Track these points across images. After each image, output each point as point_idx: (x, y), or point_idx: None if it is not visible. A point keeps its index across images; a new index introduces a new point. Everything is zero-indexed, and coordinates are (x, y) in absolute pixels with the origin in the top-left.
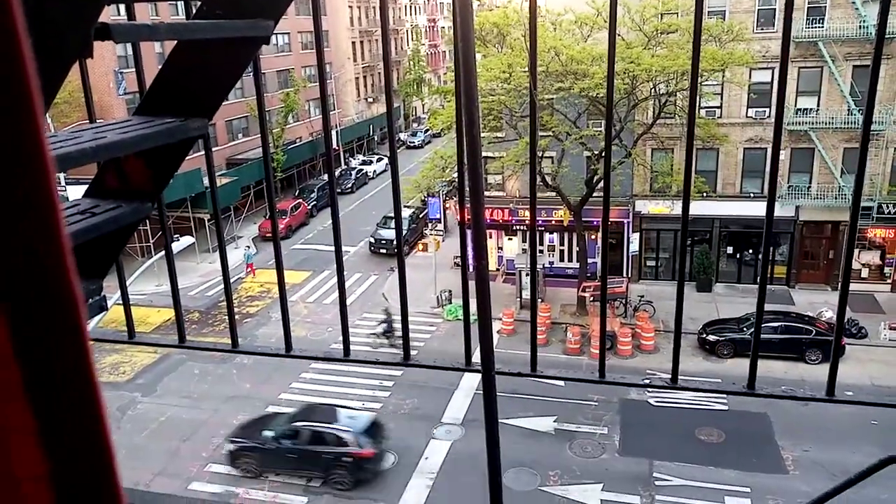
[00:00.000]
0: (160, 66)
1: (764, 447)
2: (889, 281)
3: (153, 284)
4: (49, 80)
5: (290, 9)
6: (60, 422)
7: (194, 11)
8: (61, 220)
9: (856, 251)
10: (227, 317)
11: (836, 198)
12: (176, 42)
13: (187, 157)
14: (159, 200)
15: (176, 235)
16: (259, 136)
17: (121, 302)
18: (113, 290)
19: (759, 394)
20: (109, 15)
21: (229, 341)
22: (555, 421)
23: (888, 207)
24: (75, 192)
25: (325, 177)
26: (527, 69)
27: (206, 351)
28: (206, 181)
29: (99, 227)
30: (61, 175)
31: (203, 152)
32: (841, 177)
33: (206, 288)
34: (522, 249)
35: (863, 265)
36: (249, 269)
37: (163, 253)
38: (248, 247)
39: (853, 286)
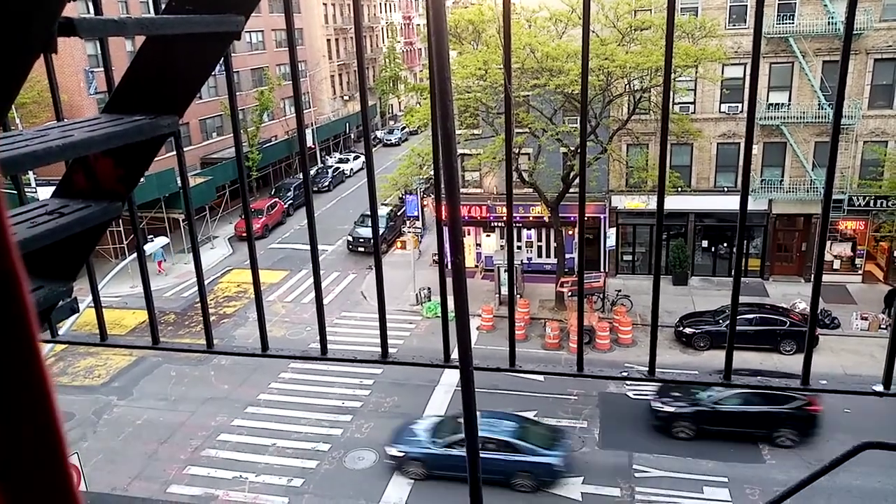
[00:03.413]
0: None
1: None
2: (860, 272)
3: (127, 286)
4: (10, 75)
5: (263, 6)
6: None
7: (163, 7)
8: (5, 218)
9: (827, 243)
10: (202, 318)
11: (807, 191)
12: (145, 38)
13: (161, 157)
14: (130, 200)
15: (150, 236)
16: (233, 134)
17: (93, 305)
18: (85, 292)
19: (736, 384)
20: (77, 12)
21: (205, 342)
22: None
23: (858, 200)
24: (45, 194)
25: (301, 175)
26: (502, 66)
27: (181, 352)
28: (179, 181)
29: (68, 227)
30: (31, 175)
31: (175, 151)
32: (812, 170)
33: (182, 289)
34: (500, 246)
35: (834, 257)
36: (158, 268)
37: (136, 254)
38: (160, 244)
39: (825, 277)
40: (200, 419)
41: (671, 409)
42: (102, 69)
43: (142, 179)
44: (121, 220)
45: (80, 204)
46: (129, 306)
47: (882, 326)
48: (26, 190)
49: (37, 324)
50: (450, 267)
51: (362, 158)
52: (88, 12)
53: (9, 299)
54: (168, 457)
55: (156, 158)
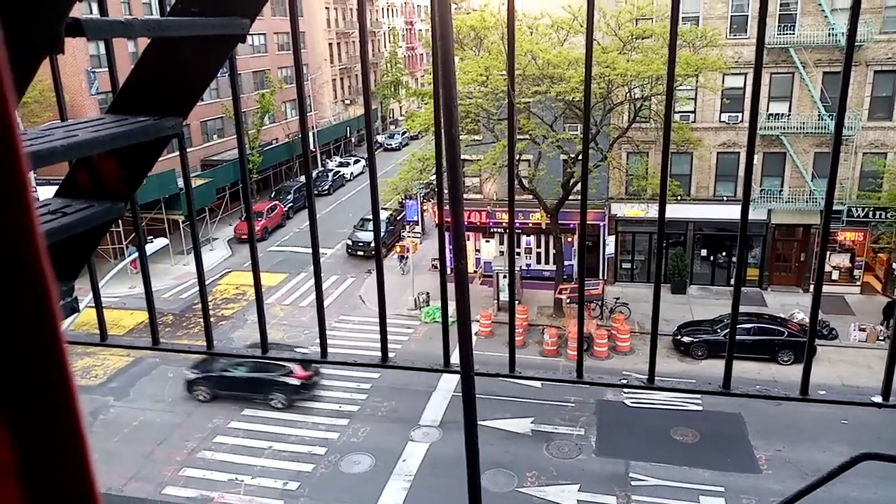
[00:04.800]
0: (133, 65)
1: (738, 447)
2: (858, 283)
3: (126, 287)
4: (17, 76)
5: (266, 9)
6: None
7: (168, 9)
8: (33, 210)
9: (827, 254)
10: (201, 319)
11: (807, 201)
12: (150, 40)
13: (161, 158)
14: (132, 201)
15: (150, 237)
16: (234, 137)
17: (93, 304)
18: (85, 292)
19: (735, 393)
20: (81, 12)
21: (204, 343)
22: (532, 422)
23: (857, 211)
24: (46, 193)
25: (302, 178)
26: (504, 72)
27: (180, 353)
28: (180, 182)
29: (70, 227)
30: (32, 175)
31: (177, 153)
32: (812, 181)
33: (181, 290)
34: (500, 252)
35: (833, 267)
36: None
37: (136, 255)
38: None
39: (824, 288)
40: (197, 421)
41: (193, 376)
42: (104, 69)
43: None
44: (120, 221)
45: (83, 204)
46: (127, 307)
47: (880, 338)
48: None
49: (61, 322)
50: (451, 272)
51: (363, 162)
52: (91, 13)
53: (36, 298)
54: (164, 458)
55: None
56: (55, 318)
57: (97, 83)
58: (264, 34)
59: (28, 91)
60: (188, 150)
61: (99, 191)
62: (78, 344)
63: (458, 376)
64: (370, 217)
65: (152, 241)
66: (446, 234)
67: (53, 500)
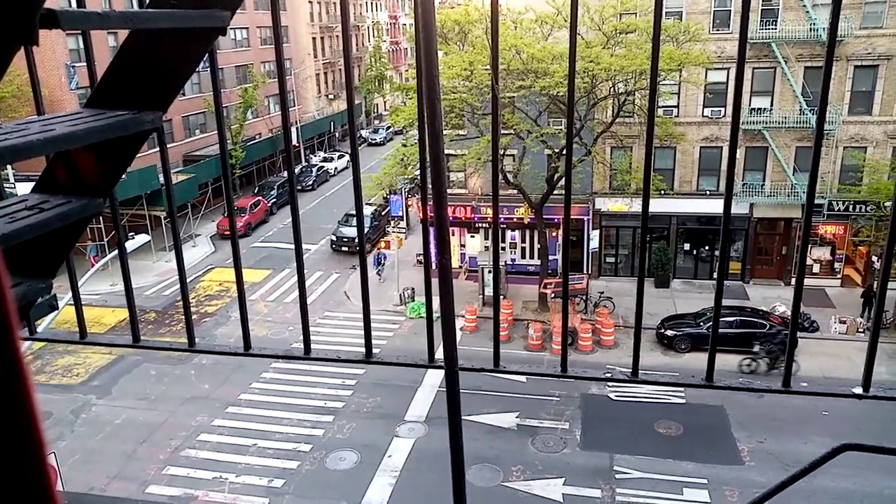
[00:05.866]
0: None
1: (720, 439)
2: (839, 276)
3: (107, 284)
4: None
5: (248, 3)
6: None
7: (148, 1)
8: None
9: (808, 247)
10: (184, 316)
11: (788, 195)
12: (129, 32)
13: (143, 154)
14: (111, 197)
15: (131, 233)
16: (216, 132)
17: (73, 302)
18: (64, 290)
19: (718, 386)
20: (59, 4)
21: (186, 341)
22: (517, 417)
23: (838, 205)
24: (24, 189)
25: (285, 174)
26: (488, 67)
27: (161, 350)
28: (161, 178)
29: (48, 223)
30: (10, 170)
31: (158, 148)
32: (793, 175)
33: (163, 287)
34: (485, 247)
35: (814, 261)
36: (91, 261)
37: (116, 251)
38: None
39: (805, 281)
40: (180, 419)
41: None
42: (84, 64)
43: (123, 176)
44: (101, 217)
45: (61, 199)
46: (108, 304)
47: (860, 330)
48: (5, 185)
49: (17, 320)
50: (435, 267)
51: (347, 157)
52: (70, 5)
53: None
54: (147, 457)
55: (138, 155)
56: (9, 317)
57: (77, 77)
58: (247, 28)
59: (6, 85)
60: (170, 145)
61: (77, 186)
62: (57, 342)
63: (443, 371)
64: (354, 212)
65: (133, 238)
66: (430, 230)
67: (10, 493)
